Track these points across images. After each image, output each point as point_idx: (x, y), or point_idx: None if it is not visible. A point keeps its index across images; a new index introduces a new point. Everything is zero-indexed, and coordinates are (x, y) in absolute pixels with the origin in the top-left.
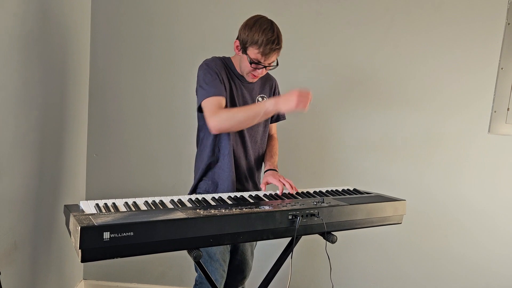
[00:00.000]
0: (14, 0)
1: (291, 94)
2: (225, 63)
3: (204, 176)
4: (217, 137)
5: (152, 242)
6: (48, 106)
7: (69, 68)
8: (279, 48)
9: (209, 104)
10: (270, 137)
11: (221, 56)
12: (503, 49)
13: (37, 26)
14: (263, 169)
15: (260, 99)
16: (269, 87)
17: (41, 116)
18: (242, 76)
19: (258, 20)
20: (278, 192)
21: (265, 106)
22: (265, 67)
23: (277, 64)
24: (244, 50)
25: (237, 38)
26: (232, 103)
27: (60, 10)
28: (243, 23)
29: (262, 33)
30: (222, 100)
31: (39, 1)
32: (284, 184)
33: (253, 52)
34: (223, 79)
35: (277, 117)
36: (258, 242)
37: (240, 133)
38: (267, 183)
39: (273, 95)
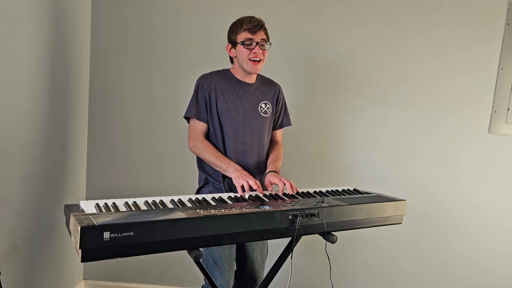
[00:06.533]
0: (14, 1)
1: (238, 180)
2: (222, 76)
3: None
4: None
5: (152, 242)
6: (49, 106)
7: (69, 68)
8: (263, 24)
9: (191, 126)
10: (275, 143)
11: (221, 69)
12: (503, 49)
13: (36, 27)
14: (265, 171)
15: (263, 105)
16: (272, 93)
17: (41, 116)
18: (245, 83)
19: (236, 20)
20: (279, 191)
21: (227, 168)
22: (258, 43)
23: (270, 44)
24: (234, 43)
25: (227, 43)
26: (232, 110)
27: (60, 10)
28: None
29: (242, 19)
30: (201, 125)
31: (39, 2)
32: (284, 184)
33: (241, 36)
34: (210, 96)
35: (281, 123)
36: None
37: (243, 137)
38: (271, 183)
39: (277, 102)
